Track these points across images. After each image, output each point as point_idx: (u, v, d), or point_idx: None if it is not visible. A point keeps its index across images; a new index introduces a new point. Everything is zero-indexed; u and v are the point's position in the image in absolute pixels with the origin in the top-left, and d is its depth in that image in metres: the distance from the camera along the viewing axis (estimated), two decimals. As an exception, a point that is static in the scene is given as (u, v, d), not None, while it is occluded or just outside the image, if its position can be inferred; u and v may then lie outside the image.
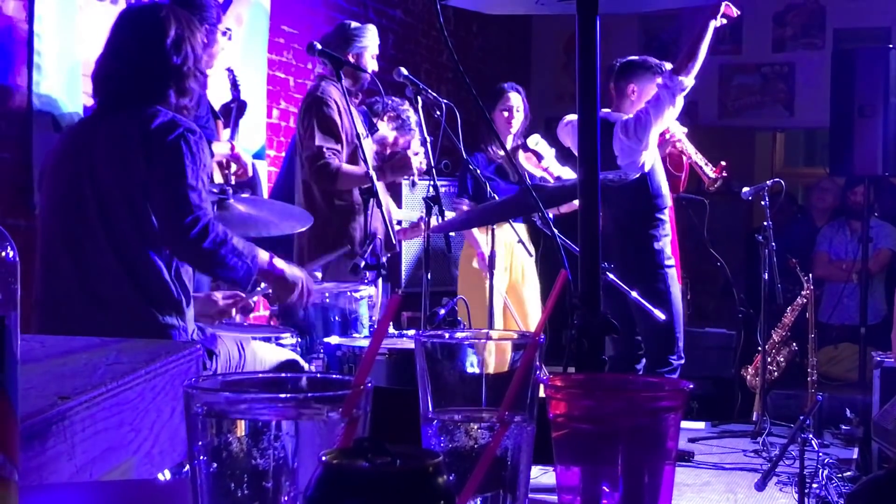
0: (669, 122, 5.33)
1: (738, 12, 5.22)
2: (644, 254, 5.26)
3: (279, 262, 3.13)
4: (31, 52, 4.19)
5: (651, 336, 5.30)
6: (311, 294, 3.22)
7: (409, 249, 6.10)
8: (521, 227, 5.36)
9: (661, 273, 5.28)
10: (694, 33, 5.29)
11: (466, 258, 5.53)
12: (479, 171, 4.84)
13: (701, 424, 6.26)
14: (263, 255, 3.07)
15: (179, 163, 2.90)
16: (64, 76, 4.32)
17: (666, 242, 5.36)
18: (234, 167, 4.48)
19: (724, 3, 5.11)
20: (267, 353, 3.22)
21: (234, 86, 4.76)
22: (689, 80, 5.19)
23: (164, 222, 2.92)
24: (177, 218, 2.89)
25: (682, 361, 5.36)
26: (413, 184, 4.80)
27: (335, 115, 4.61)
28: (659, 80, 5.33)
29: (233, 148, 4.47)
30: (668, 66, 5.42)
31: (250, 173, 4.43)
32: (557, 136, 5.60)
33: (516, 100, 5.64)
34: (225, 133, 4.61)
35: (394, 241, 4.37)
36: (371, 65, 4.84)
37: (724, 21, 5.17)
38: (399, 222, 5.31)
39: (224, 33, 4.33)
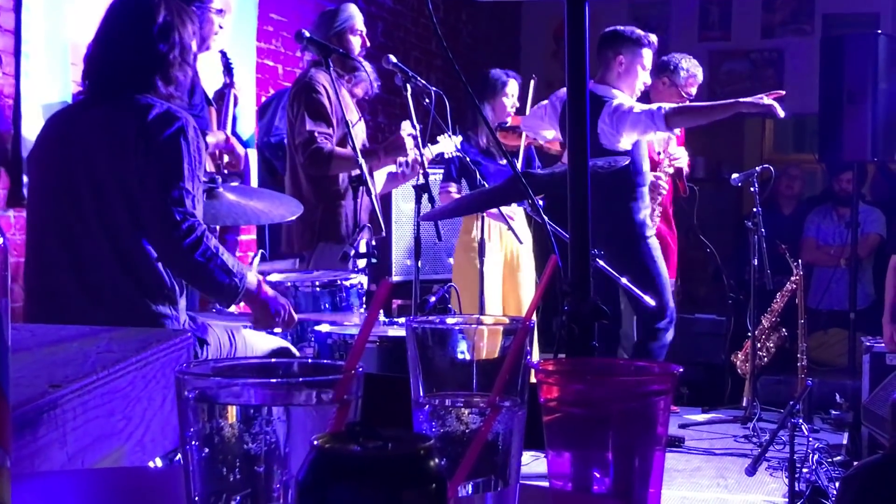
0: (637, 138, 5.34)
1: (783, 92, 5.18)
2: (626, 224, 5.30)
3: (268, 288, 3.11)
4: (19, 40, 4.17)
5: (640, 306, 5.33)
6: (293, 323, 3.19)
7: (400, 238, 6.09)
8: (520, 212, 5.39)
9: (643, 242, 5.32)
10: (718, 102, 5.27)
11: (462, 246, 5.53)
12: (468, 158, 4.85)
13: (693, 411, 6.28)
14: (252, 278, 3.04)
15: (177, 163, 2.87)
16: (52, 64, 4.31)
17: (646, 214, 5.40)
18: (226, 158, 4.46)
19: (772, 97, 5.04)
20: (258, 341, 3.22)
21: (228, 69, 4.73)
22: (672, 132, 5.27)
23: (157, 227, 2.89)
24: (170, 225, 2.85)
25: (672, 321, 5.39)
26: (406, 164, 4.79)
27: (324, 99, 4.61)
28: (645, 51, 5.35)
29: (228, 139, 4.45)
30: (654, 38, 5.43)
31: (242, 165, 4.42)
32: (524, 130, 5.64)
33: (514, 87, 5.72)
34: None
35: (382, 228, 4.36)
36: (356, 43, 4.82)
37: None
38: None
39: (220, 12, 4.30)
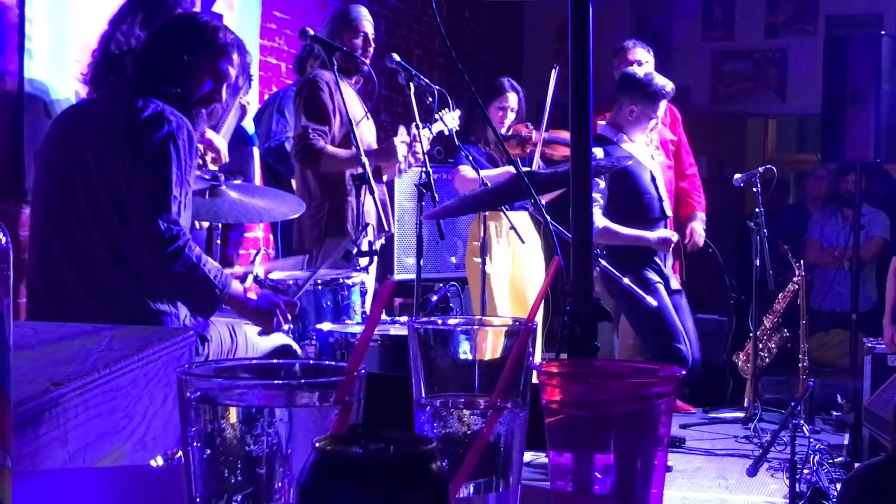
0: None
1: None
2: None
3: (252, 294, 3.07)
4: (23, 38, 4.17)
5: (645, 327, 5.29)
6: (294, 311, 3.13)
7: (402, 236, 6.10)
8: (523, 214, 5.37)
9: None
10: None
11: (471, 252, 5.50)
12: (471, 157, 4.85)
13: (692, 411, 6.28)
14: (237, 286, 3.00)
15: (166, 167, 2.85)
16: (56, 61, 4.31)
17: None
18: (209, 155, 4.45)
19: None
20: (259, 338, 3.22)
21: None
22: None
23: (140, 234, 2.87)
24: (153, 233, 2.83)
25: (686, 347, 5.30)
26: (400, 172, 4.80)
27: (326, 97, 4.62)
28: (662, 103, 5.25)
29: (202, 134, 4.42)
30: (671, 87, 5.27)
31: (226, 158, 4.39)
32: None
33: (513, 100, 5.63)
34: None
35: (386, 227, 4.36)
36: (361, 43, 4.82)
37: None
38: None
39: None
